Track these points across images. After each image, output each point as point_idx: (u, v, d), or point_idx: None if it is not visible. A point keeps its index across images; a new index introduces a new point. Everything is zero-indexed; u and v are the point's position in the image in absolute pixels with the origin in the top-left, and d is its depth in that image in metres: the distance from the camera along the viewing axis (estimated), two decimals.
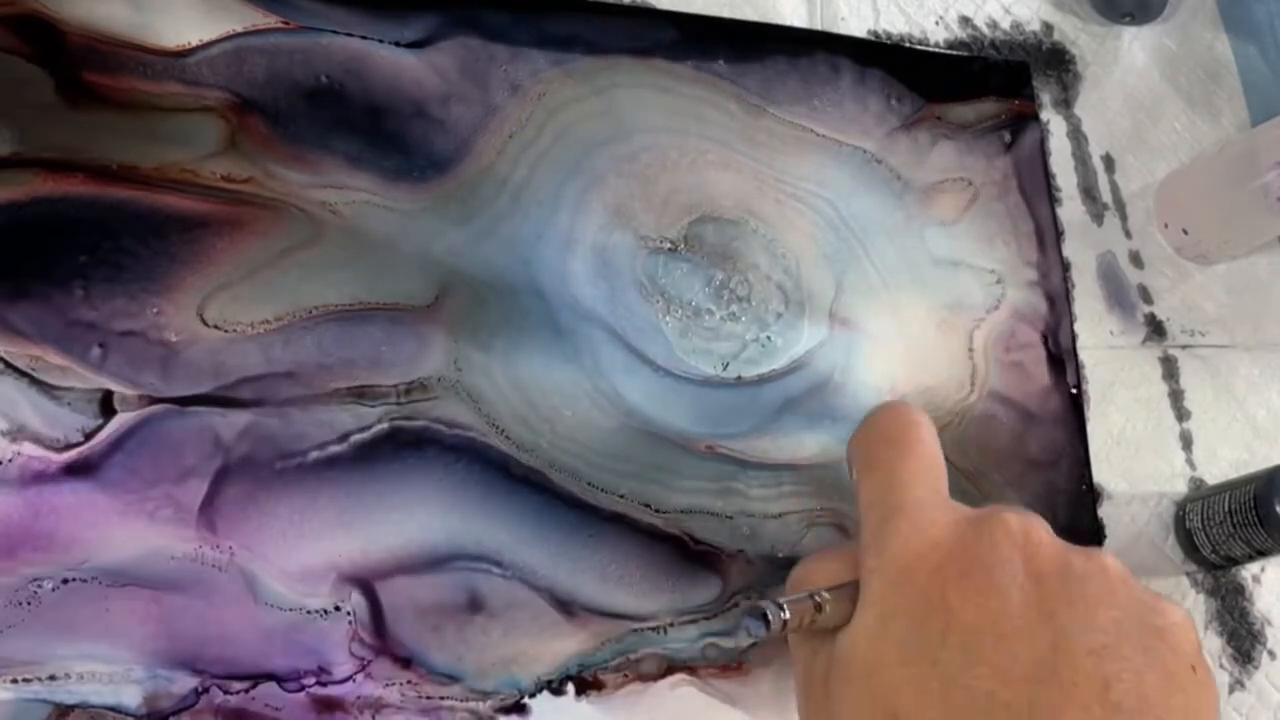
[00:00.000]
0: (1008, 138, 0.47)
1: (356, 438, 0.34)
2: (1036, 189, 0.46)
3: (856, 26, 0.45)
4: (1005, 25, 0.49)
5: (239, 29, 0.36)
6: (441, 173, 0.37)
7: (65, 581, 0.30)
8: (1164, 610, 0.26)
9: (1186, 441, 0.45)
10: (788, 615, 0.27)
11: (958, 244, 0.44)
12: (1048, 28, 0.50)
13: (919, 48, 0.46)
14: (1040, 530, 0.27)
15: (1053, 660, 0.24)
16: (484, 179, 0.38)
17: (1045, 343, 0.44)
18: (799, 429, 0.39)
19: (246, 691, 0.31)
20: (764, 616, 0.27)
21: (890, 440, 0.30)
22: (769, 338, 0.40)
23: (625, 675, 0.34)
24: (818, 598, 0.28)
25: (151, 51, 0.35)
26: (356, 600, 0.32)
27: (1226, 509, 0.41)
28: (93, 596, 0.30)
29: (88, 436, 0.31)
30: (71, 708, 0.29)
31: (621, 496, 0.36)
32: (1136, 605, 0.26)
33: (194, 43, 0.35)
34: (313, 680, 0.31)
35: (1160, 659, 0.25)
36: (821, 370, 0.40)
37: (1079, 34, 0.50)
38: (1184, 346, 0.47)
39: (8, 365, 0.31)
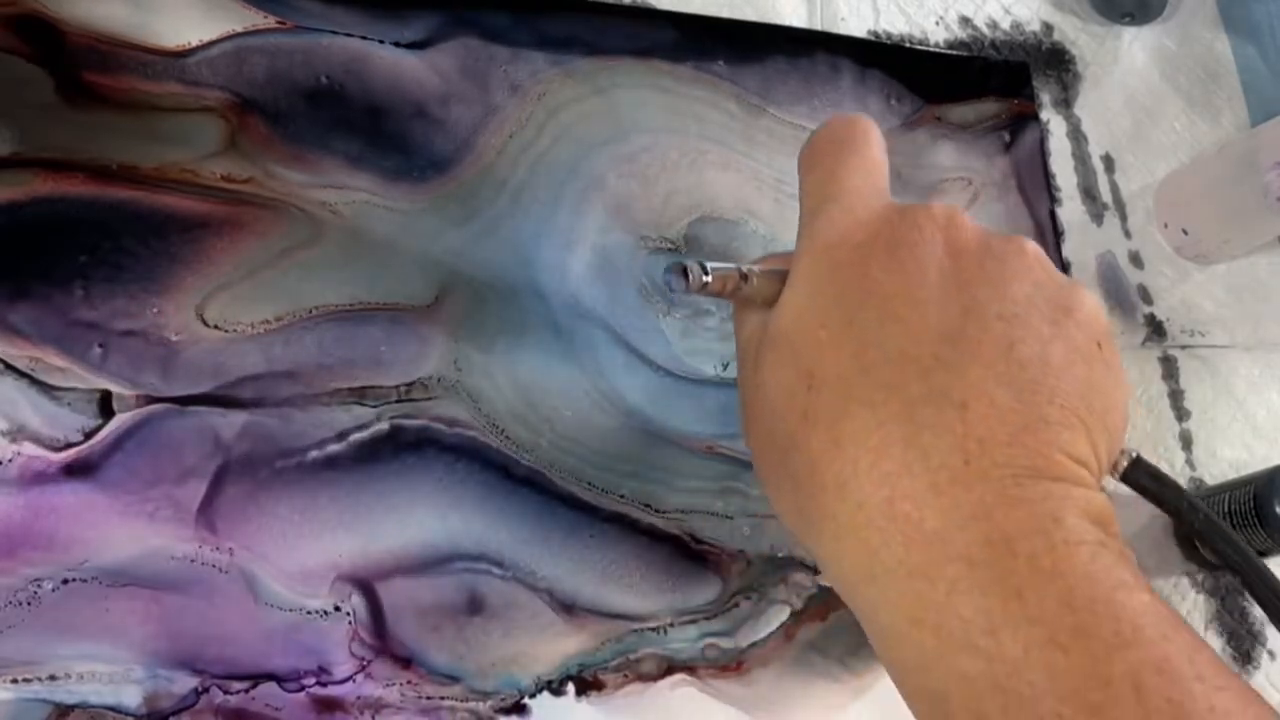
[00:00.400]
0: (1007, 138, 0.47)
1: (356, 437, 0.34)
2: (1036, 189, 0.46)
3: (856, 27, 0.45)
4: (1005, 25, 0.49)
5: (239, 29, 0.36)
6: (441, 173, 0.37)
7: (65, 581, 0.30)
8: (1076, 293, 0.27)
9: (1186, 441, 0.45)
10: (710, 278, 0.28)
11: None
12: (1048, 28, 0.50)
13: (919, 48, 0.46)
14: (963, 217, 0.28)
15: (962, 323, 0.25)
16: (484, 179, 0.38)
17: None
18: None
19: (246, 691, 0.31)
20: (685, 272, 0.28)
21: (837, 141, 0.30)
22: None
23: (625, 675, 0.34)
24: (744, 269, 0.29)
25: (151, 51, 0.35)
26: (356, 600, 0.32)
27: (1226, 509, 0.41)
28: (93, 596, 0.30)
29: (87, 436, 0.31)
30: (71, 708, 0.29)
31: (621, 496, 0.36)
32: (1050, 284, 0.27)
33: (194, 43, 0.35)
34: (313, 680, 0.31)
35: (1066, 332, 0.26)
36: None
37: (1079, 34, 0.50)
38: (1184, 346, 0.47)
39: (7, 366, 0.31)
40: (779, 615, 0.37)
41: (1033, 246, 0.28)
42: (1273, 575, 0.28)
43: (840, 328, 0.26)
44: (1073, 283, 0.28)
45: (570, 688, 0.34)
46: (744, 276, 0.28)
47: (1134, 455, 0.29)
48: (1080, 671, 0.21)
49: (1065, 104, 0.48)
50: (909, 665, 0.24)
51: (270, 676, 0.31)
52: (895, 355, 0.25)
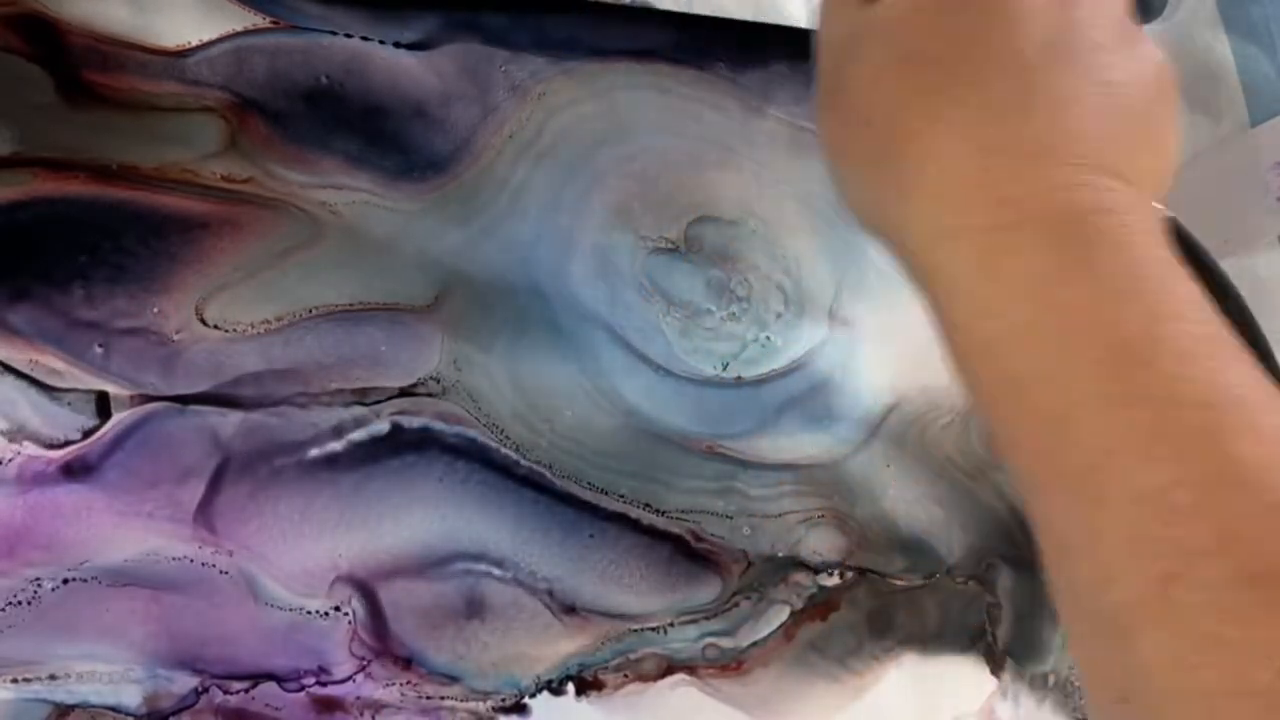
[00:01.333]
0: None
1: (356, 437, 0.34)
2: None
3: None
4: None
5: (239, 29, 0.36)
6: (441, 173, 0.37)
7: (65, 581, 0.30)
8: (1156, 50, 0.29)
9: None
10: None
11: None
12: None
13: None
14: None
15: (1062, 35, 0.27)
16: (484, 179, 0.38)
17: None
18: (799, 429, 0.39)
19: (246, 691, 0.31)
20: None
21: None
22: (769, 338, 0.40)
23: (625, 675, 0.34)
24: None
25: (151, 51, 0.35)
26: (356, 600, 0.32)
27: None
28: (93, 596, 0.30)
29: (87, 435, 0.31)
30: (71, 708, 0.29)
31: (621, 496, 0.36)
32: (1139, 39, 0.29)
33: (194, 43, 0.35)
34: (313, 680, 0.31)
35: (1148, 70, 0.28)
36: (821, 370, 0.40)
37: None
38: None
39: (7, 367, 0.31)
40: (779, 615, 0.37)
41: None
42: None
43: (945, 18, 0.27)
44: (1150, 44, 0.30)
45: (570, 688, 0.34)
46: None
47: (1171, 217, 0.30)
48: (1127, 328, 0.23)
49: None
50: (966, 318, 0.26)
51: (270, 676, 0.31)
52: (996, 49, 0.27)
